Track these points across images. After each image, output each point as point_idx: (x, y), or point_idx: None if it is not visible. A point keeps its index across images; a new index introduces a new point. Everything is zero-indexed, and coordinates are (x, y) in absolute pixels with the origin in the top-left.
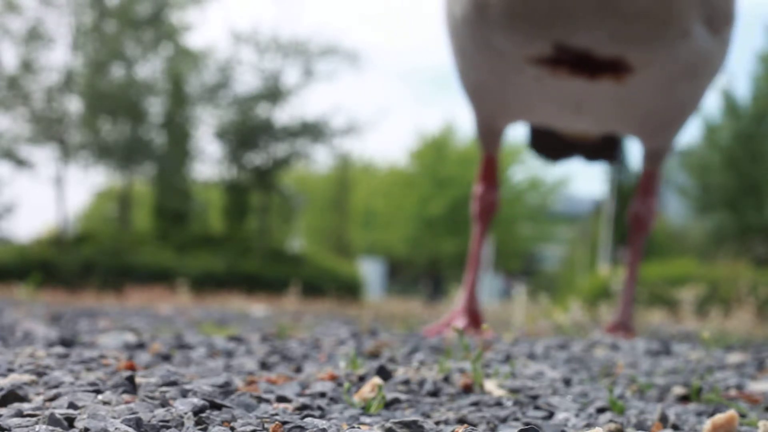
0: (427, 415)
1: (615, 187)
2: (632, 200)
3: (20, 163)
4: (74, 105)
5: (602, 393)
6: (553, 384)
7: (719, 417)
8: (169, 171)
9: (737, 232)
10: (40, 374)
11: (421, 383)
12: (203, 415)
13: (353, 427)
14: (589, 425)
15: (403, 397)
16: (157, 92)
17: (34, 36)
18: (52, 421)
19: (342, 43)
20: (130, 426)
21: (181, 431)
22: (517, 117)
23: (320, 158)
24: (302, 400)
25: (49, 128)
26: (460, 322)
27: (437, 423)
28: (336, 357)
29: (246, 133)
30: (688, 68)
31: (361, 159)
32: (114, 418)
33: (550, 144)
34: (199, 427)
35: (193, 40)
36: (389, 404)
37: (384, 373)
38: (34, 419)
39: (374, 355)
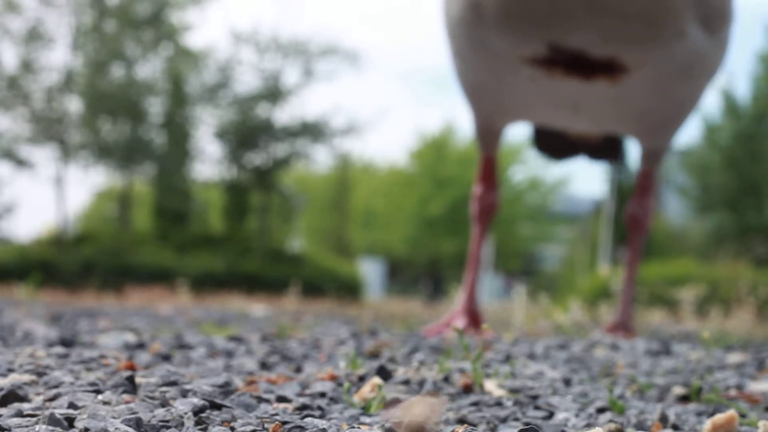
0: None
1: (615, 187)
2: (629, 200)
3: (20, 163)
4: (74, 105)
5: (602, 393)
6: (553, 384)
7: (719, 417)
8: (169, 171)
9: (737, 232)
10: (40, 374)
11: (421, 383)
12: (203, 415)
13: (353, 427)
14: (589, 425)
15: (403, 397)
16: (157, 92)
17: (34, 36)
18: (52, 421)
19: (342, 43)
20: (130, 426)
21: (181, 431)
22: (515, 117)
23: (320, 158)
24: (302, 400)
25: (49, 128)
26: (460, 322)
27: (437, 423)
28: (336, 357)
29: (246, 133)
30: (683, 68)
31: (361, 159)
32: (114, 418)
33: (554, 143)
34: (199, 427)
35: (193, 40)
36: (389, 404)
37: (384, 373)
38: (34, 419)
39: (374, 355)
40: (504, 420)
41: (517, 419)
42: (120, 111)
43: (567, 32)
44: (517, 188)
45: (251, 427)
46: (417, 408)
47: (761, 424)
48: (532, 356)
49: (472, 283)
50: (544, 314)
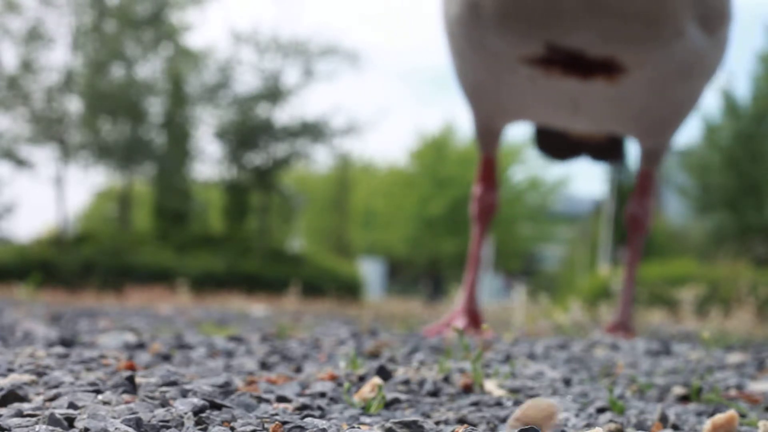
0: (427, 415)
1: (615, 187)
2: (629, 200)
3: (20, 163)
4: (74, 105)
5: (602, 393)
6: (553, 384)
7: (719, 417)
8: (169, 171)
9: (737, 232)
10: (40, 374)
11: (421, 383)
12: (203, 415)
13: (353, 427)
14: (589, 425)
15: (403, 397)
16: (157, 92)
17: (34, 36)
18: (52, 421)
19: (342, 43)
20: (130, 426)
21: (181, 431)
22: (514, 117)
23: (320, 158)
24: (302, 400)
25: (49, 128)
26: (460, 322)
27: (437, 423)
28: (336, 357)
29: (246, 133)
30: (682, 68)
31: (361, 159)
32: (114, 418)
33: (556, 144)
34: (199, 427)
35: (193, 40)
36: (389, 404)
37: (384, 373)
38: (34, 419)
39: (374, 355)
40: (504, 420)
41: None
42: (120, 111)
43: (565, 32)
44: (517, 188)
45: (251, 427)
46: (533, 410)
47: (761, 424)
48: (532, 356)
49: (472, 283)
50: (544, 314)
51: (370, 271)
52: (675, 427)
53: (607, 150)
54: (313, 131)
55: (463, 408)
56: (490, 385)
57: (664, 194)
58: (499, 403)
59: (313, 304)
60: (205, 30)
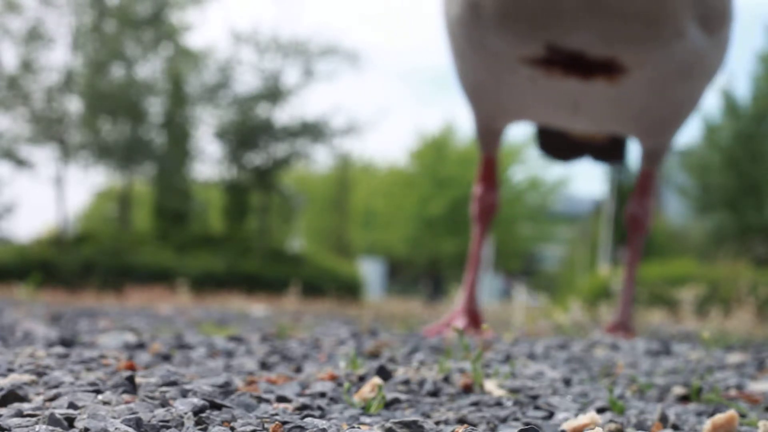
0: (427, 415)
1: (615, 187)
2: (629, 200)
3: (20, 163)
4: (74, 105)
5: (602, 393)
6: (553, 384)
7: (719, 417)
8: (169, 171)
9: (737, 232)
10: (40, 374)
11: (421, 383)
12: (203, 415)
13: (353, 427)
14: None
15: (403, 397)
16: (157, 92)
17: (34, 36)
18: (52, 421)
19: (342, 43)
20: (130, 426)
21: (181, 431)
22: (514, 117)
23: (320, 158)
24: (302, 400)
25: (49, 128)
26: (460, 322)
27: (437, 423)
28: (336, 357)
29: (246, 133)
30: (682, 69)
31: (361, 159)
32: (114, 418)
33: (558, 144)
34: (199, 427)
35: (193, 40)
36: (389, 404)
37: (384, 373)
38: (34, 419)
39: (374, 355)
40: (504, 420)
41: (517, 419)
42: (120, 111)
43: (566, 32)
44: (517, 188)
45: (251, 427)
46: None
47: (761, 424)
48: (532, 356)
49: (472, 283)
50: (544, 314)
51: (370, 271)
52: (675, 427)
53: (609, 150)
54: (313, 131)
55: (463, 408)
56: (490, 385)
57: (664, 194)
58: (499, 403)
59: (313, 304)
60: (205, 30)
